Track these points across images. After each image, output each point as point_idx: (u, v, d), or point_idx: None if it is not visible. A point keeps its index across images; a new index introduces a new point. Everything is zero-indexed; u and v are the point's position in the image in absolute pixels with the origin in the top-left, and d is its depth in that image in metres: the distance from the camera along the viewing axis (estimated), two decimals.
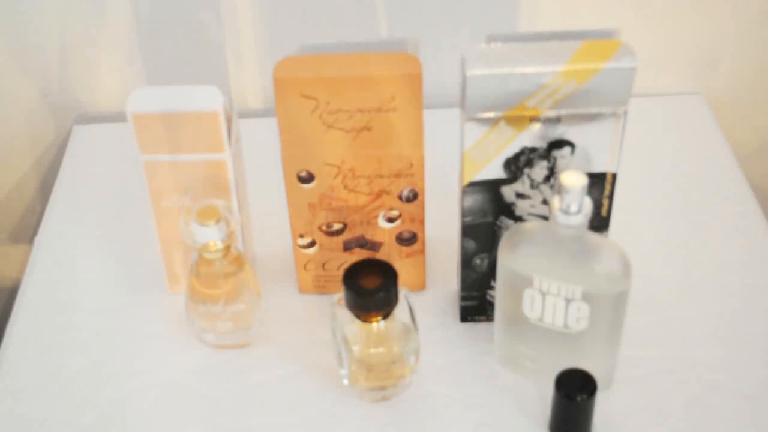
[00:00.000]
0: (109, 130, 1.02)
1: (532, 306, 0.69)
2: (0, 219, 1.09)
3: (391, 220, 0.77)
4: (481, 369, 0.76)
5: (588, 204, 0.64)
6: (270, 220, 0.85)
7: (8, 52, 0.99)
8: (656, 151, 0.97)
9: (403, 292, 0.71)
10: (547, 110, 0.66)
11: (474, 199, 0.71)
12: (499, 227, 0.73)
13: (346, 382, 0.73)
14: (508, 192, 0.71)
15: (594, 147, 0.68)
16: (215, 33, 0.99)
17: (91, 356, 0.78)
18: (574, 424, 0.69)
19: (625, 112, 0.66)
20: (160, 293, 0.83)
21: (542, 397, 0.72)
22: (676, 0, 0.98)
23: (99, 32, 0.99)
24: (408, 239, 0.79)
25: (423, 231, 0.78)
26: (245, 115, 0.95)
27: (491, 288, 0.77)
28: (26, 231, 1.09)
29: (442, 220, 0.82)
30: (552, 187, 0.70)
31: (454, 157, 0.71)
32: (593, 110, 0.66)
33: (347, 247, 0.79)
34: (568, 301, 0.67)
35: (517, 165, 0.69)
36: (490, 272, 0.76)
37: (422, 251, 0.80)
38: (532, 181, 0.70)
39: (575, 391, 0.67)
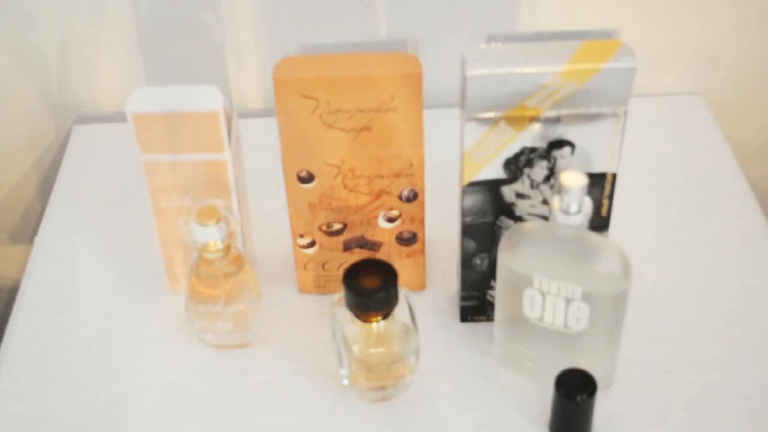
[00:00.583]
0: (109, 130, 1.02)
1: (532, 306, 0.69)
2: (0, 219, 1.09)
3: (391, 220, 0.77)
4: (481, 369, 0.76)
5: (588, 204, 0.64)
6: (270, 220, 0.86)
7: (8, 52, 0.99)
8: (656, 151, 0.97)
9: (403, 292, 0.71)
10: (547, 110, 0.66)
11: (474, 199, 0.71)
12: (499, 227, 0.73)
13: (346, 382, 0.73)
14: (508, 192, 0.71)
15: (594, 147, 0.68)
16: (215, 33, 0.99)
17: (91, 356, 0.78)
18: (574, 424, 0.69)
19: (625, 112, 0.66)
20: (160, 293, 0.83)
21: (542, 397, 0.72)
22: (676, 0, 0.98)
23: (99, 32, 0.99)
24: (408, 239, 0.79)
25: (423, 231, 0.78)
26: (245, 115, 0.95)
27: (491, 288, 0.77)
28: (26, 231, 1.09)
29: (442, 220, 0.82)
30: (552, 187, 0.70)
31: (454, 157, 0.71)
32: (593, 110, 0.66)
33: (347, 247, 0.79)
34: (568, 301, 0.67)
35: (517, 165, 0.69)
36: (490, 272, 0.76)
37: (422, 251, 0.80)
38: (532, 181, 0.70)
39: (575, 391, 0.67)
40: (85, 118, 1.05)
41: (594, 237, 0.66)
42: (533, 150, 0.68)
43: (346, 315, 0.70)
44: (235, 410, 0.74)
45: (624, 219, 0.78)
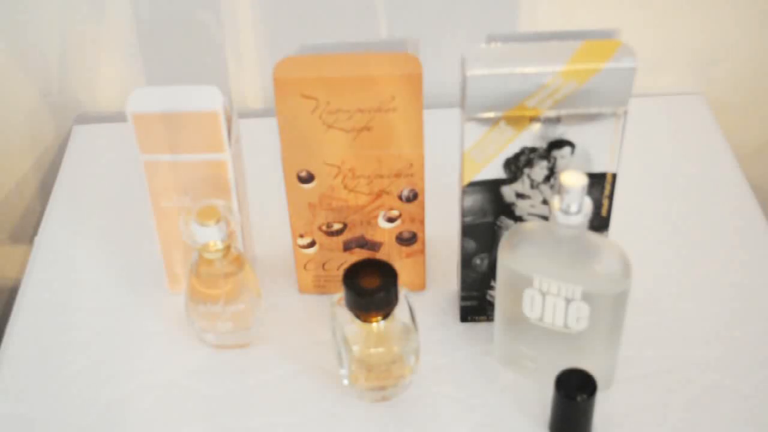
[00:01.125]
0: (109, 130, 1.02)
1: (532, 306, 0.69)
2: (0, 219, 1.09)
3: (391, 220, 0.77)
4: (481, 369, 0.76)
5: (588, 204, 0.64)
6: (270, 220, 0.86)
7: (8, 52, 0.99)
8: (656, 151, 0.97)
9: (403, 292, 0.71)
10: (547, 110, 0.66)
11: (474, 199, 0.71)
12: (499, 227, 0.73)
13: (346, 382, 0.73)
14: (508, 192, 0.71)
15: (594, 147, 0.68)
16: (215, 33, 0.99)
17: (91, 356, 0.78)
18: (574, 424, 0.69)
19: (625, 112, 0.66)
20: (160, 293, 0.83)
21: (542, 397, 0.72)
22: (676, 0, 0.98)
23: (99, 32, 0.99)
24: (408, 239, 0.79)
25: (423, 231, 0.78)
26: (245, 115, 0.95)
27: (491, 288, 0.77)
28: (26, 231, 1.09)
29: (442, 220, 0.82)
30: (552, 187, 0.70)
31: (454, 157, 0.71)
32: (593, 110, 0.66)
33: (347, 247, 0.79)
34: (568, 301, 0.67)
35: (517, 165, 0.69)
36: (490, 272, 0.76)
37: (422, 251, 0.80)
38: (532, 181, 0.70)
39: (575, 391, 0.67)
40: (85, 118, 1.05)
41: (594, 237, 0.66)
42: (533, 150, 0.68)
43: (346, 315, 0.70)
44: (235, 410, 0.74)
45: (624, 219, 0.78)
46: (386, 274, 0.68)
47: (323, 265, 0.81)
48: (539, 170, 0.69)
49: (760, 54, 1.02)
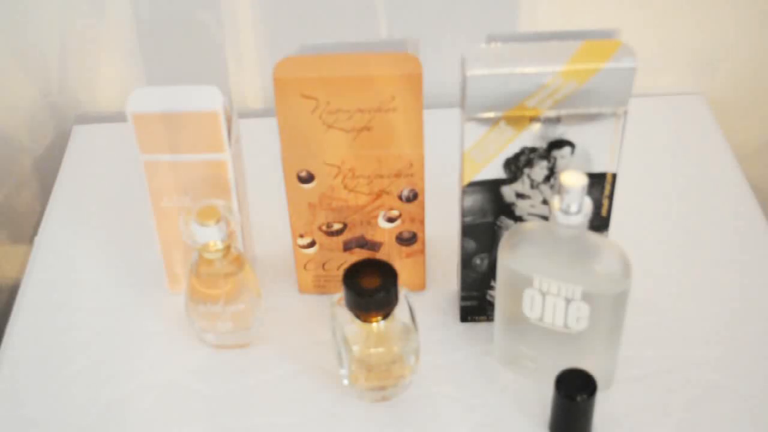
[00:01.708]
0: (109, 130, 1.02)
1: (532, 306, 0.69)
2: (0, 219, 1.09)
3: (391, 220, 0.77)
4: (481, 369, 0.76)
5: (588, 204, 0.64)
6: (270, 220, 0.86)
7: (8, 52, 0.99)
8: (656, 151, 0.97)
9: (403, 292, 0.71)
10: (547, 110, 0.66)
11: (474, 199, 0.71)
12: (499, 227, 0.73)
13: (346, 382, 0.73)
14: (508, 192, 0.71)
15: (594, 147, 0.68)
16: (215, 33, 0.99)
17: (91, 356, 0.78)
18: (574, 424, 0.69)
19: (625, 112, 0.66)
20: (160, 293, 0.83)
21: (542, 397, 0.72)
22: (676, 0, 0.98)
23: (99, 32, 0.99)
24: (408, 239, 0.79)
25: (423, 231, 0.78)
26: (245, 115, 0.95)
27: (491, 288, 0.77)
28: (26, 231, 1.09)
29: (442, 220, 0.82)
30: (552, 187, 0.70)
31: (454, 157, 0.71)
32: (593, 110, 0.66)
33: (347, 247, 0.79)
34: (568, 301, 0.67)
35: (517, 165, 0.69)
36: (490, 272, 0.76)
37: (422, 251, 0.80)
38: (532, 181, 0.70)
39: (575, 391, 0.67)
40: (85, 118, 1.05)
41: (594, 237, 0.66)
42: (533, 150, 0.68)
43: (346, 315, 0.70)
44: (235, 410, 0.74)
45: (624, 219, 0.78)
46: (386, 274, 0.68)
47: (323, 265, 0.81)
48: (539, 170, 0.69)
49: (760, 54, 1.02)
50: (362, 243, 0.79)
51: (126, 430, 0.73)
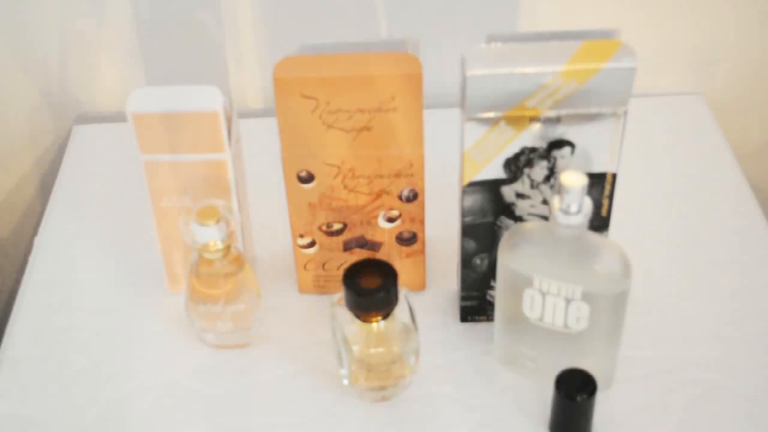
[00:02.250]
0: (109, 130, 1.02)
1: (532, 306, 0.69)
2: (0, 219, 1.09)
3: (391, 220, 0.77)
4: (481, 369, 0.76)
5: (588, 204, 0.64)
6: (270, 220, 0.86)
7: (8, 52, 0.99)
8: (656, 151, 0.97)
9: (403, 292, 0.71)
10: (547, 110, 0.66)
11: (474, 199, 0.71)
12: (499, 227, 0.73)
13: (346, 382, 0.73)
14: (508, 192, 0.71)
15: (594, 147, 0.68)
16: (215, 33, 0.99)
17: (91, 356, 0.78)
18: (574, 424, 0.69)
19: (625, 112, 0.66)
20: (160, 293, 0.83)
21: (542, 397, 0.72)
22: (676, 0, 0.98)
23: (99, 32, 0.99)
24: (408, 239, 0.79)
25: (423, 231, 0.78)
26: (245, 115, 0.95)
27: (491, 288, 0.77)
28: (26, 231, 1.09)
29: (442, 220, 0.82)
30: (552, 187, 0.70)
31: (454, 157, 0.71)
32: (593, 110, 0.66)
33: (347, 247, 0.79)
34: (568, 301, 0.67)
35: (517, 165, 0.69)
36: (490, 272, 0.76)
37: (422, 251, 0.80)
38: (532, 181, 0.70)
39: (575, 391, 0.67)
40: (85, 118, 1.05)
41: (594, 237, 0.66)
42: (533, 150, 0.68)
43: (346, 315, 0.70)
44: (235, 410, 0.74)
45: (624, 219, 0.78)
46: (386, 274, 0.68)
47: (323, 265, 0.81)
48: (539, 170, 0.69)
49: (760, 54, 1.02)
50: (362, 243, 0.79)
51: (126, 430, 0.73)
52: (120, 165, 0.97)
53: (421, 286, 0.82)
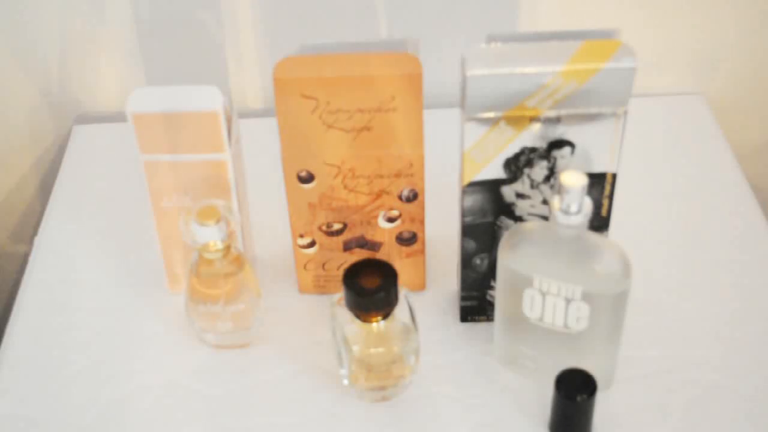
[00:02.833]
0: (109, 130, 1.02)
1: (532, 306, 0.69)
2: (0, 219, 1.09)
3: (391, 220, 0.77)
4: (481, 369, 0.76)
5: (588, 204, 0.64)
6: (270, 220, 0.86)
7: (8, 52, 0.99)
8: (656, 151, 0.97)
9: (403, 292, 0.71)
10: (547, 110, 0.66)
11: (474, 199, 0.71)
12: (499, 227, 0.73)
13: (346, 382, 0.73)
14: (508, 192, 0.71)
15: (594, 147, 0.68)
16: (215, 33, 0.99)
17: (91, 356, 0.78)
18: (574, 424, 0.69)
19: (625, 112, 0.66)
20: (160, 293, 0.83)
21: (542, 397, 0.72)
22: (676, 0, 0.98)
23: (99, 32, 0.99)
24: (408, 239, 0.79)
25: (423, 231, 0.78)
26: (245, 115, 0.95)
27: (491, 288, 0.77)
28: (26, 231, 1.09)
29: (442, 220, 0.82)
30: (552, 187, 0.70)
31: (454, 157, 0.71)
32: (593, 110, 0.66)
33: (347, 247, 0.79)
34: (568, 301, 0.67)
35: (517, 165, 0.69)
36: (490, 272, 0.76)
37: (422, 251, 0.80)
38: (532, 181, 0.70)
39: (575, 391, 0.67)
40: (85, 118, 1.05)
41: (594, 237, 0.66)
42: (533, 150, 0.68)
43: (346, 315, 0.70)
44: (235, 410, 0.74)
45: (624, 219, 0.78)
46: (386, 274, 0.68)
47: (323, 265, 0.81)
48: (539, 170, 0.69)
49: (760, 54, 1.02)
50: (362, 243, 0.79)
51: (126, 430, 0.73)
52: (120, 165, 0.97)
53: (421, 286, 0.82)
